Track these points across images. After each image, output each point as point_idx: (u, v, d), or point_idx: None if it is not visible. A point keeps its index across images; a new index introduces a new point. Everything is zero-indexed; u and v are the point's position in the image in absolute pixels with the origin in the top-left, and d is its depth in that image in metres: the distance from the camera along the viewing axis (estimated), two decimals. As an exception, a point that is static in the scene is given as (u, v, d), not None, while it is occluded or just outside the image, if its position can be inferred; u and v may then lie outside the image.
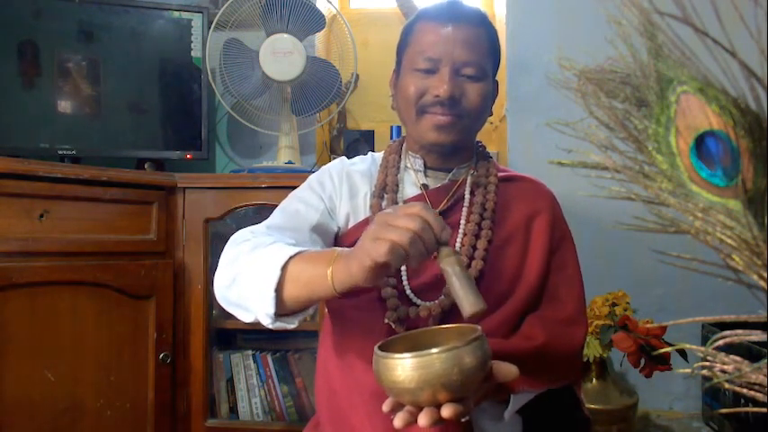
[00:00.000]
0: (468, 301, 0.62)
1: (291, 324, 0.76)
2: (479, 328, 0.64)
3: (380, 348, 0.64)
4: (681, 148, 0.39)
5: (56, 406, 1.32)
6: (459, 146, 0.93)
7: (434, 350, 0.59)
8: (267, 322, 0.74)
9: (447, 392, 0.59)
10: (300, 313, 0.77)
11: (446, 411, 0.59)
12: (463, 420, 0.63)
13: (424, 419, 0.59)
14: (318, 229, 0.91)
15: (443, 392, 0.59)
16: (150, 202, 1.52)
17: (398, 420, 0.61)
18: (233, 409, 1.66)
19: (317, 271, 0.70)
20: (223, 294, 0.81)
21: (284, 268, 0.72)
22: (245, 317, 0.78)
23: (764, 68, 0.34)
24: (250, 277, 0.75)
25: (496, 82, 0.97)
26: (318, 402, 0.95)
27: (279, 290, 0.72)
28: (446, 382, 0.58)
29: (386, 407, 0.64)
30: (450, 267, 0.63)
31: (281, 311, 0.74)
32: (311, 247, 0.87)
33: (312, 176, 1.00)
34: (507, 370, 0.67)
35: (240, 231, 0.86)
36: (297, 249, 0.74)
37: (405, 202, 0.94)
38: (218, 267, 0.83)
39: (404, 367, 0.59)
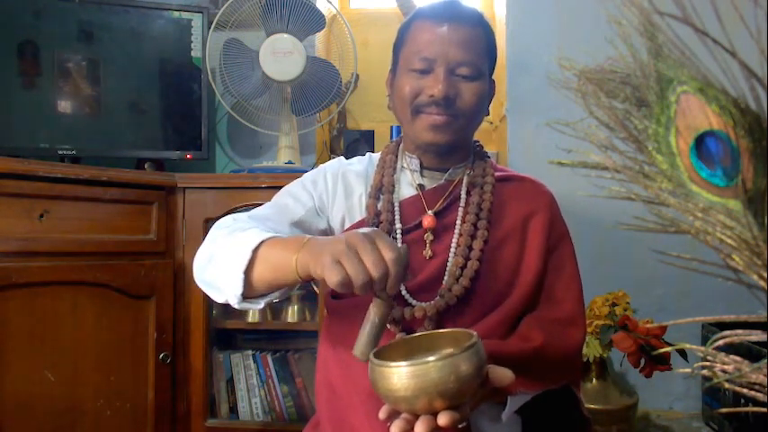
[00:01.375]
0: (360, 347, 0.66)
1: (257, 306, 0.79)
2: (475, 333, 0.64)
3: (376, 356, 0.63)
4: (681, 148, 0.39)
5: (56, 406, 1.32)
6: (455, 146, 0.93)
7: (430, 358, 0.58)
8: (234, 302, 0.78)
9: (443, 400, 0.59)
10: (267, 296, 0.79)
11: (443, 419, 0.59)
12: (460, 426, 0.63)
13: (420, 428, 0.59)
14: (301, 225, 0.93)
15: (440, 400, 0.59)
16: (150, 202, 1.52)
17: (395, 429, 0.61)
18: (233, 409, 1.66)
19: (284, 255, 0.72)
20: (199, 275, 0.85)
21: (255, 251, 0.74)
22: (218, 297, 0.82)
23: (764, 68, 0.34)
24: (223, 258, 0.79)
25: (493, 81, 0.97)
26: (318, 402, 0.95)
27: (248, 271, 0.74)
28: (442, 389, 0.58)
29: (382, 414, 0.64)
30: (374, 313, 0.66)
31: (250, 293, 0.77)
32: None
33: (308, 174, 1.01)
34: (502, 374, 0.67)
35: (224, 218, 0.89)
36: (270, 234, 0.77)
37: (401, 202, 0.94)
38: (199, 249, 0.86)
39: (400, 376, 0.59)
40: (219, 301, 0.82)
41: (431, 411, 0.60)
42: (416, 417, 0.61)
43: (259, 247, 0.75)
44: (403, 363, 0.59)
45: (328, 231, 0.97)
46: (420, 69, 0.88)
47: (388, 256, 0.63)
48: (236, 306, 0.78)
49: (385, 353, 0.66)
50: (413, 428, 0.60)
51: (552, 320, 0.88)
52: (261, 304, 0.80)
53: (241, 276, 0.74)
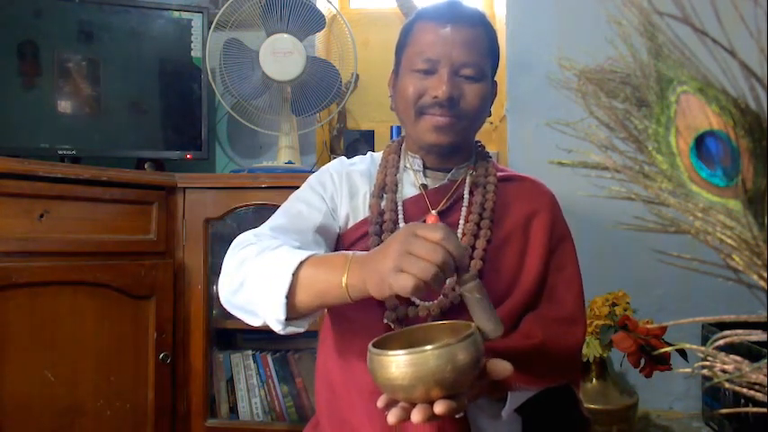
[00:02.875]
0: (489, 328, 0.64)
1: (301, 328, 0.75)
2: (473, 325, 0.64)
3: (375, 345, 0.64)
4: (681, 148, 0.39)
5: (56, 406, 1.32)
6: (458, 146, 0.93)
7: (428, 347, 0.59)
8: (278, 328, 0.73)
9: (440, 389, 0.59)
10: (310, 316, 0.76)
11: (439, 408, 0.59)
12: (458, 417, 0.64)
13: (417, 416, 0.60)
14: (322, 231, 0.91)
15: (437, 389, 0.59)
16: (150, 202, 1.52)
17: (392, 416, 0.61)
18: (233, 409, 1.66)
19: (330, 278, 0.69)
20: (229, 299, 0.80)
21: (295, 274, 0.71)
22: (253, 321, 0.77)
23: (764, 68, 0.34)
24: (259, 282, 0.74)
25: (495, 82, 0.97)
26: (318, 402, 0.95)
27: (290, 296, 0.71)
28: (440, 378, 0.58)
29: (380, 403, 0.64)
30: (470, 294, 0.65)
31: (292, 316, 0.73)
32: (315, 249, 0.87)
33: (312, 177, 1.00)
34: (501, 367, 0.67)
35: (243, 235, 0.85)
36: (306, 254, 0.73)
37: (404, 202, 0.93)
38: (222, 271, 0.82)
39: (398, 364, 0.59)
40: (255, 324, 0.77)
41: (428, 400, 0.60)
42: (414, 406, 0.61)
43: (299, 268, 0.71)
44: (401, 351, 0.59)
45: (340, 233, 0.96)
46: (423, 70, 0.88)
47: (437, 237, 0.61)
48: (280, 332, 0.74)
49: (385, 343, 0.66)
50: (410, 417, 0.60)
51: (553, 319, 0.88)
52: (305, 326, 0.76)
53: (283, 302, 0.70)
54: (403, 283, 0.60)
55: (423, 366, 0.58)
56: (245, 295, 0.76)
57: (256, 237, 0.83)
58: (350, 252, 0.72)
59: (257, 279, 0.75)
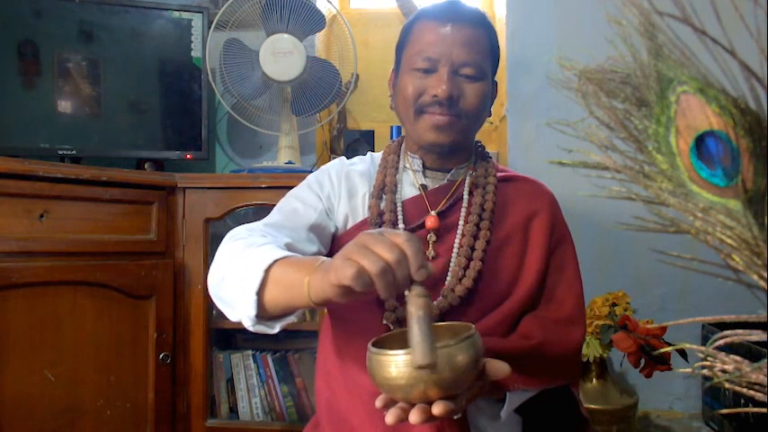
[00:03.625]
0: (419, 351, 0.57)
1: (272, 329, 0.74)
2: (473, 326, 0.64)
3: (374, 345, 0.64)
4: (681, 148, 0.39)
5: (56, 406, 1.32)
6: (458, 146, 0.93)
7: None
8: (248, 324, 0.72)
9: (439, 390, 0.59)
10: (282, 319, 0.74)
11: (437, 408, 0.59)
12: (456, 417, 0.63)
13: (415, 416, 0.59)
14: (316, 229, 0.91)
15: (435, 390, 0.59)
16: (150, 202, 1.52)
17: (390, 417, 0.61)
18: (233, 409, 1.66)
19: (296, 278, 0.67)
20: (214, 291, 0.81)
21: (267, 271, 0.69)
22: (232, 315, 0.77)
23: (764, 68, 0.34)
24: (236, 277, 0.74)
25: (495, 82, 0.97)
26: (318, 402, 0.95)
27: (260, 292, 0.70)
28: (438, 379, 0.58)
29: (379, 403, 0.64)
30: (414, 309, 0.58)
31: (263, 314, 0.72)
32: (308, 247, 0.87)
33: (311, 176, 1.00)
34: (499, 367, 0.67)
35: (237, 228, 0.85)
36: (285, 253, 0.72)
37: (403, 202, 0.93)
38: (212, 263, 0.82)
39: (396, 364, 0.59)
40: (234, 319, 0.76)
41: (426, 401, 0.60)
42: (412, 406, 0.61)
43: (272, 266, 0.70)
44: (400, 351, 0.59)
45: (338, 233, 0.96)
46: (423, 69, 0.88)
47: (400, 239, 0.58)
48: (251, 328, 0.73)
49: (384, 343, 0.66)
50: (408, 417, 0.60)
51: (552, 320, 0.88)
52: (276, 328, 0.74)
53: (254, 298, 0.69)
54: (344, 271, 0.56)
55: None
56: (225, 289, 0.76)
57: (248, 231, 0.82)
58: (324, 257, 0.69)
59: (236, 274, 0.74)
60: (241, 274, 0.73)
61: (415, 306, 0.58)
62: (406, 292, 0.59)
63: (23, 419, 1.27)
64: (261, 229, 0.84)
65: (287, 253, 0.73)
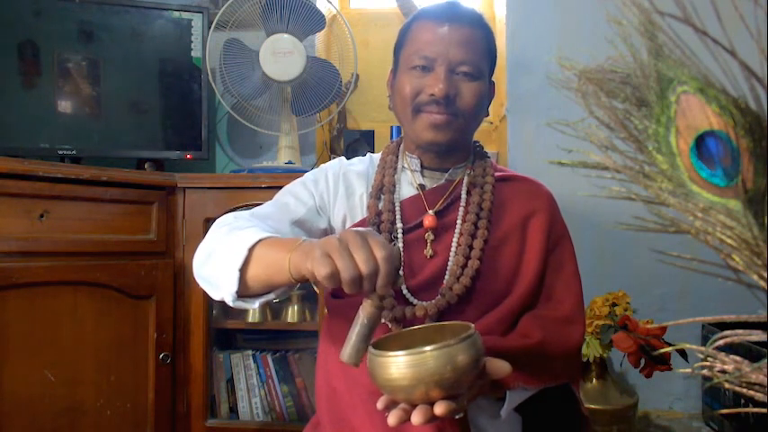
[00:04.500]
0: (348, 349, 0.65)
1: (251, 305, 0.78)
2: (473, 326, 0.64)
3: (375, 346, 0.64)
4: (681, 148, 0.39)
5: (56, 406, 1.32)
6: (455, 145, 0.93)
7: (428, 348, 0.59)
8: (229, 300, 0.77)
9: (440, 390, 0.59)
10: (262, 296, 0.78)
11: (439, 409, 0.59)
12: (458, 417, 0.64)
13: (417, 417, 0.60)
14: (301, 224, 0.93)
15: (437, 390, 0.59)
16: (150, 202, 1.52)
17: (392, 418, 0.61)
18: (233, 409, 1.66)
19: (278, 256, 0.71)
20: (197, 271, 0.84)
21: (251, 249, 0.74)
22: (215, 294, 0.81)
23: (764, 68, 0.34)
24: (220, 255, 0.78)
25: (493, 83, 0.97)
26: (318, 402, 0.95)
27: (243, 270, 0.74)
28: (439, 379, 0.58)
29: (380, 404, 0.64)
30: (363, 314, 0.65)
31: (244, 292, 0.76)
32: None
33: (309, 173, 1.02)
34: (500, 366, 0.67)
35: (225, 215, 0.89)
36: (268, 234, 0.76)
37: (401, 202, 0.94)
38: (199, 246, 0.86)
39: (397, 365, 0.59)
40: (216, 298, 0.81)
41: (428, 401, 0.60)
42: (414, 407, 0.61)
43: (255, 245, 0.74)
44: (400, 352, 0.59)
45: (329, 231, 0.97)
46: (421, 67, 0.89)
47: (380, 254, 0.61)
48: (230, 304, 0.78)
49: (384, 344, 0.66)
50: (410, 418, 0.60)
51: (552, 319, 0.88)
52: (255, 304, 0.78)
53: (236, 274, 0.73)
54: (319, 267, 0.60)
55: (422, 367, 0.58)
56: (210, 267, 0.80)
57: (234, 218, 0.86)
58: (305, 238, 0.74)
59: (221, 253, 0.79)
60: (225, 254, 0.77)
61: (364, 313, 0.65)
62: (365, 298, 0.65)
63: (23, 419, 1.27)
64: (246, 217, 0.87)
65: (270, 234, 0.77)
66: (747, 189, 0.36)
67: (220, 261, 0.78)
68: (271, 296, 0.79)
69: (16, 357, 1.26)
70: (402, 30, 0.96)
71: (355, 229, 0.65)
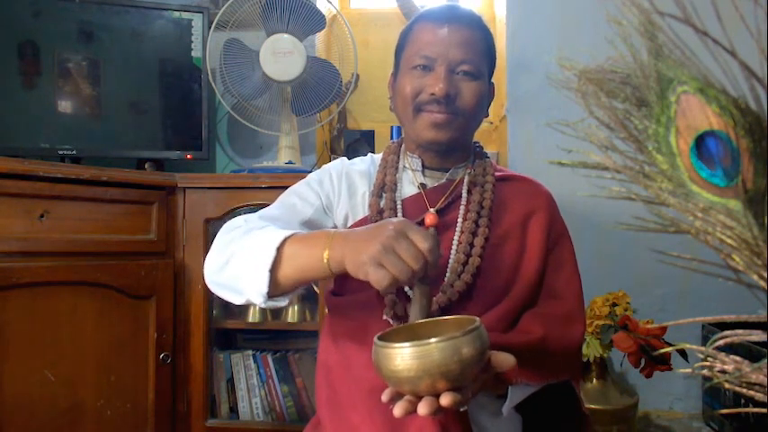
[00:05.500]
0: (416, 314, 0.71)
1: (282, 303, 0.79)
2: (478, 319, 0.65)
3: (380, 338, 0.64)
4: (681, 148, 0.39)
5: (56, 406, 1.32)
6: (456, 144, 0.94)
7: (433, 339, 0.59)
8: (259, 301, 0.76)
9: (446, 381, 0.60)
10: (291, 293, 0.79)
11: (445, 400, 0.60)
12: (463, 410, 0.64)
13: (423, 408, 0.60)
14: (310, 225, 0.94)
15: (442, 381, 0.60)
16: (150, 202, 1.52)
17: (398, 409, 0.61)
18: (233, 409, 1.66)
19: (313, 252, 0.72)
20: (213, 278, 0.84)
21: (279, 249, 0.74)
22: (235, 299, 0.81)
23: (764, 68, 0.34)
24: (244, 258, 0.78)
25: (492, 84, 0.98)
26: (319, 401, 0.95)
27: (273, 270, 0.74)
28: (445, 371, 0.59)
29: (385, 396, 0.64)
30: (418, 293, 0.70)
31: (274, 292, 0.76)
32: None
33: (312, 174, 1.02)
34: (504, 359, 0.68)
35: (233, 219, 0.89)
36: (291, 232, 0.77)
37: (403, 201, 0.94)
38: (209, 252, 0.85)
39: (403, 356, 0.60)
40: (237, 302, 0.80)
41: (433, 393, 0.61)
42: (419, 398, 0.61)
43: (283, 244, 0.75)
44: (406, 343, 0.60)
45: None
46: (422, 66, 0.90)
47: (424, 246, 0.65)
48: (260, 305, 0.77)
49: (389, 337, 0.66)
50: (416, 410, 0.61)
51: (552, 316, 0.88)
52: (286, 301, 0.79)
53: (267, 275, 0.74)
54: (380, 278, 0.64)
55: (427, 358, 0.59)
56: (230, 271, 0.80)
57: (245, 221, 0.86)
58: (332, 230, 0.75)
59: (242, 255, 0.78)
60: (249, 256, 0.77)
61: (419, 294, 0.70)
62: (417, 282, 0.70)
63: (24, 420, 1.27)
64: (256, 220, 0.87)
65: (294, 231, 0.77)
66: (747, 189, 0.36)
67: (243, 264, 0.77)
68: (299, 291, 0.81)
69: (16, 357, 1.26)
70: (403, 32, 0.98)
71: (391, 223, 0.67)
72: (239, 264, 0.78)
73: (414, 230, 0.67)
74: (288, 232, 0.76)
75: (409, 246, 0.65)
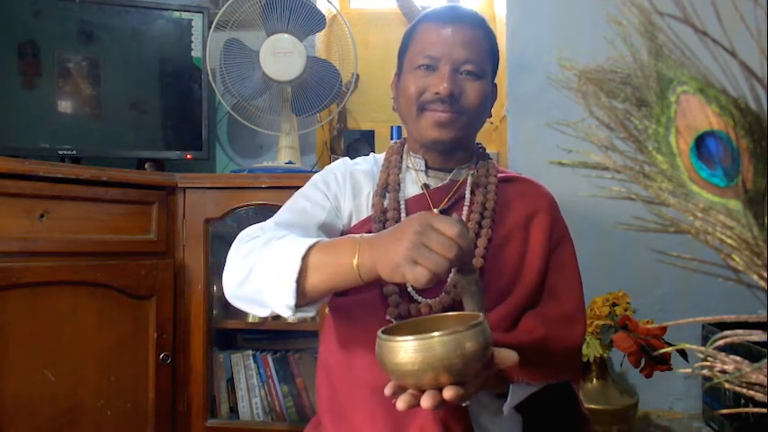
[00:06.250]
0: (473, 307, 0.71)
1: (310, 313, 0.77)
2: (481, 315, 0.66)
3: (384, 332, 0.64)
4: (681, 148, 0.39)
5: (56, 406, 1.32)
6: (459, 144, 0.94)
7: (436, 333, 0.60)
8: (287, 314, 0.74)
9: (449, 375, 0.60)
10: (318, 302, 0.78)
11: (448, 393, 0.60)
12: (464, 405, 0.64)
13: (426, 401, 0.60)
14: (325, 228, 0.92)
15: (445, 375, 0.60)
16: (150, 202, 1.52)
17: (401, 402, 0.61)
18: (233, 409, 1.66)
19: (341, 260, 0.71)
20: (234, 292, 0.81)
21: (304, 258, 0.72)
22: (259, 311, 0.78)
23: (764, 68, 0.34)
24: (267, 270, 0.75)
25: (495, 85, 0.99)
26: (319, 401, 0.95)
27: (299, 280, 0.72)
28: (448, 364, 0.59)
29: (388, 390, 0.64)
30: (465, 283, 0.70)
31: (300, 302, 0.74)
32: None
33: (316, 176, 1.01)
34: (507, 356, 0.68)
35: (248, 228, 0.86)
36: (314, 240, 0.75)
37: (406, 201, 0.94)
38: (227, 264, 0.82)
39: (406, 350, 0.60)
40: (262, 315, 0.78)
41: (436, 386, 0.61)
42: (422, 392, 0.61)
43: (308, 253, 0.72)
44: (409, 337, 0.60)
45: (344, 231, 0.97)
46: (425, 66, 0.91)
47: (453, 233, 0.64)
48: (288, 318, 0.75)
49: (393, 332, 0.67)
50: (419, 403, 0.61)
51: (554, 317, 0.89)
52: (313, 311, 0.77)
53: (293, 286, 0.72)
54: (418, 276, 0.62)
55: (430, 352, 0.59)
56: (253, 284, 0.77)
57: (261, 230, 0.84)
58: (357, 235, 0.73)
59: (265, 267, 0.76)
60: (272, 267, 0.74)
61: (466, 283, 0.70)
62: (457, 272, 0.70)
63: (24, 419, 1.27)
64: (273, 228, 0.85)
65: (316, 239, 0.75)
66: (747, 189, 0.36)
67: (267, 276, 0.75)
68: (326, 299, 0.79)
69: (17, 357, 1.26)
70: (406, 33, 0.98)
71: (414, 220, 0.66)
72: (262, 276, 0.76)
73: (438, 220, 0.65)
74: (311, 241, 0.74)
75: (438, 236, 0.63)
